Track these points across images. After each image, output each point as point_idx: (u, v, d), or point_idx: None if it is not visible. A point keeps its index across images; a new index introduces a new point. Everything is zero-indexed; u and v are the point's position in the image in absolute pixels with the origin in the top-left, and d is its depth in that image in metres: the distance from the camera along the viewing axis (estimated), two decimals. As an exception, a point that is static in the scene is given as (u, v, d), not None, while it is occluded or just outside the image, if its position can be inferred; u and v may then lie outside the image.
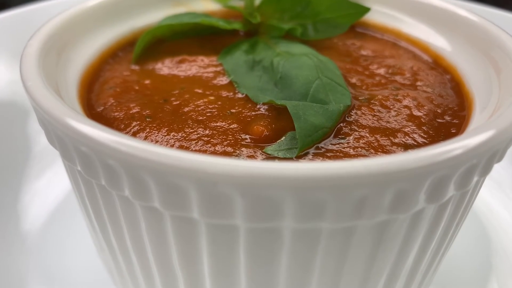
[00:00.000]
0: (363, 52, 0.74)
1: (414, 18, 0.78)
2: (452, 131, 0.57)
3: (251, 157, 0.50)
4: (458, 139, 0.42)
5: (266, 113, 0.57)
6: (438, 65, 0.72)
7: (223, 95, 0.61)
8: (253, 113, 0.57)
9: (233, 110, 0.58)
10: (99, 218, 0.52)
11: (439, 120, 0.59)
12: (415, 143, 0.54)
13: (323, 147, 0.53)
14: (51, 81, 0.53)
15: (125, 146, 0.39)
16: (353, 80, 0.65)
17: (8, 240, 0.71)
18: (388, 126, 0.56)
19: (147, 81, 0.65)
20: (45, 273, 0.67)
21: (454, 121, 0.59)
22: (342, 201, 0.38)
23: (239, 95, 0.61)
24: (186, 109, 0.57)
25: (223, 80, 0.65)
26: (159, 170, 0.38)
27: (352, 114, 0.57)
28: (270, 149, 0.52)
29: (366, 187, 0.38)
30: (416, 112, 0.59)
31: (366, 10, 0.73)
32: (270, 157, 0.51)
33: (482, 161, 0.44)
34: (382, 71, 0.68)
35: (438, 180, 0.41)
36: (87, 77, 0.65)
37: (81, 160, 0.44)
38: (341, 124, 0.56)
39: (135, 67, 0.69)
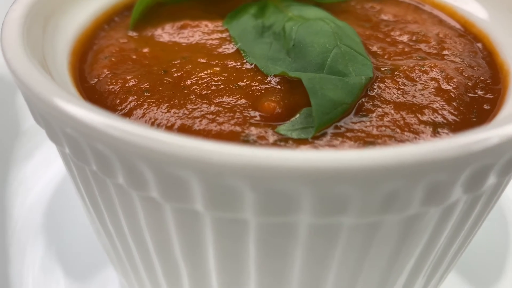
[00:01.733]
0: (384, 17, 0.67)
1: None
2: (486, 107, 0.51)
3: (261, 138, 0.45)
4: (503, 122, 0.36)
5: (278, 86, 0.51)
6: (467, 32, 0.65)
7: (229, 66, 0.55)
8: (263, 86, 0.51)
9: (241, 83, 0.52)
10: (94, 204, 0.47)
11: (470, 95, 0.53)
12: (445, 121, 0.49)
13: (342, 126, 0.47)
14: (36, 52, 0.47)
15: (117, 130, 0.34)
16: (374, 49, 0.59)
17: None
18: (415, 102, 0.50)
19: (145, 49, 0.58)
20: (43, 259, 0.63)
21: (488, 95, 0.53)
22: (369, 195, 0.33)
23: (247, 66, 0.55)
24: (188, 82, 0.51)
25: (229, 48, 0.59)
26: (156, 159, 0.33)
27: (375, 87, 0.51)
28: (283, 128, 0.46)
29: (397, 180, 0.32)
30: (444, 86, 0.52)
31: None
32: (283, 138, 0.45)
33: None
34: (405, 38, 0.61)
35: (479, 169, 0.35)
36: (79, 46, 0.59)
37: (69, 143, 0.39)
38: (363, 99, 0.50)
39: (132, 34, 0.63)
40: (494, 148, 0.34)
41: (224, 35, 0.61)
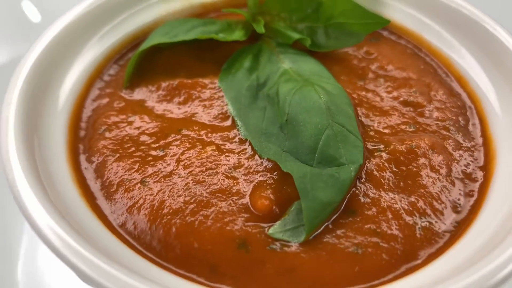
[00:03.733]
0: (379, 71, 0.66)
1: (438, 24, 0.69)
2: (470, 195, 0.53)
3: (256, 242, 0.47)
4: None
5: (271, 175, 0.52)
6: (462, 88, 0.65)
7: (224, 146, 0.56)
8: (257, 175, 0.53)
9: (235, 173, 0.53)
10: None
11: (457, 178, 0.55)
12: (430, 213, 0.51)
13: (332, 226, 0.49)
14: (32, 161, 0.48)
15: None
16: (366, 119, 0.59)
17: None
18: (406, 189, 0.52)
19: (140, 121, 0.59)
20: None
21: (473, 181, 0.55)
22: None
23: (243, 146, 0.56)
24: (184, 171, 0.53)
25: (224, 117, 0.59)
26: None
27: (363, 177, 0.53)
28: (275, 230, 0.48)
29: None
30: (432, 172, 0.54)
31: (386, 22, 0.64)
32: (276, 240, 0.48)
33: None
34: (398, 99, 0.62)
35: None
36: (74, 116, 0.60)
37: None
38: (352, 190, 0.52)
39: (127, 95, 0.63)
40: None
41: (219, 100, 0.61)
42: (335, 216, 0.50)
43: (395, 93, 0.63)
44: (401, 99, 0.62)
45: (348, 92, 0.61)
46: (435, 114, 0.61)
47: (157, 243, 0.48)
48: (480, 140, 0.58)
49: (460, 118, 0.61)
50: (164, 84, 0.64)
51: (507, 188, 0.52)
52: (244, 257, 0.47)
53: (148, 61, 0.67)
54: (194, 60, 0.68)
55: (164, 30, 0.66)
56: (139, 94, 0.63)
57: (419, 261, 0.47)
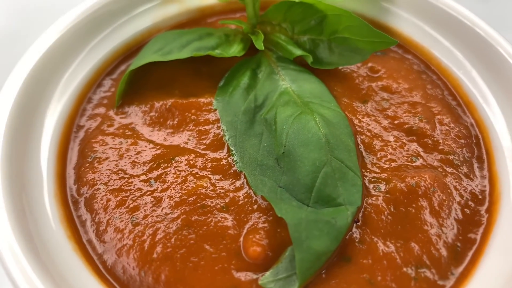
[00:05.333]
0: (383, 91, 0.63)
1: (449, 41, 0.65)
2: (470, 237, 0.52)
3: (246, 293, 0.46)
4: None
5: (265, 215, 0.51)
6: (469, 113, 0.62)
7: (218, 181, 0.53)
8: (252, 208, 0.51)
9: (229, 203, 0.52)
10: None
11: (457, 218, 0.53)
12: (427, 261, 0.49)
13: (326, 275, 0.48)
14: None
15: None
16: (367, 149, 0.57)
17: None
18: (404, 234, 0.50)
19: (132, 147, 0.57)
20: None
21: (474, 223, 0.53)
22: None
23: (237, 176, 0.54)
24: (175, 210, 0.51)
25: (218, 145, 0.57)
26: None
27: (360, 218, 0.51)
28: (266, 280, 0.47)
29: None
30: (431, 214, 0.52)
31: (394, 42, 0.60)
32: (267, 290, 0.47)
33: None
34: (401, 128, 0.59)
35: None
36: (63, 140, 0.57)
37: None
38: (348, 234, 0.50)
39: (118, 116, 0.60)
40: None
41: (214, 124, 0.58)
42: (329, 263, 0.49)
43: (399, 119, 0.60)
44: (405, 126, 0.59)
45: (349, 117, 0.59)
46: (440, 145, 0.58)
47: (146, 291, 0.47)
48: (486, 177, 0.56)
49: (465, 150, 0.58)
50: (157, 105, 0.61)
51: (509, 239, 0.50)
52: (234, 310, 0.46)
53: (141, 75, 0.64)
54: (190, 75, 0.65)
55: (157, 46, 0.63)
56: (130, 115, 0.61)
57: (413, 318, 0.46)
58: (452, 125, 0.60)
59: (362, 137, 0.58)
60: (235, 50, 0.64)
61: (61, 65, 0.61)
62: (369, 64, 0.66)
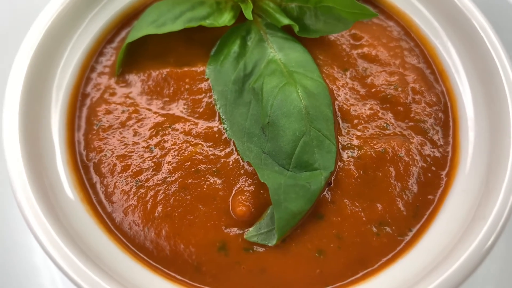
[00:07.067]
0: (364, 59, 0.67)
1: (429, 11, 0.68)
2: (429, 198, 0.59)
3: (234, 246, 0.55)
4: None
5: (251, 179, 0.58)
6: (442, 82, 0.67)
7: (210, 147, 0.60)
8: (240, 172, 0.59)
9: (220, 168, 0.59)
10: None
11: (420, 181, 0.60)
12: (389, 219, 0.57)
13: (300, 230, 0.56)
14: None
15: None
16: (344, 117, 0.63)
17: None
18: (370, 196, 0.57)
19: (132, 115, 0.63)
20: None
21: (434, 185, 0.60)
22: None
23: (227, 143, 0.61)
24: (173, 174, 0.58)
25: (210, 113, 0.63)
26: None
27: (333, 181, 0.58)
28: (250, 234, 0.56)
29: None
30: (397, 179, 0.59)
31: (373, 14, 0.63)
32: (251, 243, 0.55)
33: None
34: (378, 97, 0.64)
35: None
36: (71, 109, 0.64)
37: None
38: (322, 195, 0.58)
39: (118, 84, 0.66)
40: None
41: (207, 93, 0.64)
42: (304, 220, 0.57)
43: (376, 87, 0.65)
44: (381, 95, 0.65)
45: (330, 86, 0.64)
46: (412, 112, 0.63)
47: (150, 243, 0.56)
48: (449, 143, 0.62)
49: (433, 117, 0.64)
50: (154, 74, 0.66)
51: (464, 198, 0.57)
52: (223, 259, 0.55)
53: (138, 44, 0.69)
54: (183, 43, 0.69)
55: (151, 17, 0.67)
56: (130, 83, 0.67)
57: (374, 268, 0.55)
58: (425, 93, 0.65)
59: (340, 104, 0.64)
60: (225, 19, 0.68)
61: (64, 37, 0.65)
62: (353, 31, 0.70)
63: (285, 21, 0.67)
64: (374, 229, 0.57)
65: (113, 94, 0.66)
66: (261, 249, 0.55)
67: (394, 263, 0.55)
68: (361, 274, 0.55)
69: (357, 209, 0.57)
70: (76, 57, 0.66)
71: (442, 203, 0.58)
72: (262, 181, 0.56)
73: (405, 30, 0.71)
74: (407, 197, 0.59)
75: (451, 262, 0.51)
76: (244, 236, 0.56)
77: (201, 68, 0.66)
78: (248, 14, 0.67)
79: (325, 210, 0.57)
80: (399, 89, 0.65)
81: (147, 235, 0.56)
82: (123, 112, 0.64)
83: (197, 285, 0.54)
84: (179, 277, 0.54)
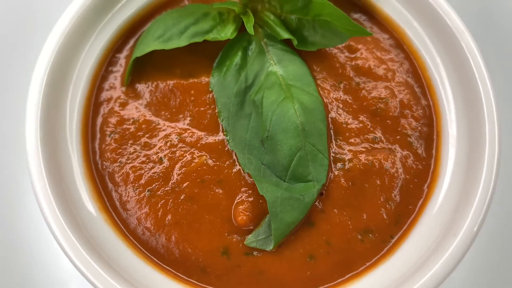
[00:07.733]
0: (357, 72, 0.72)
1: (422, 26, 0.72)
2: (409, 208, 0.66)
3: (235, 250, 0.62)
4: None
5: (251, 189, 0.65)
6: (430, 96, 0.71)
7: (214, 159, 0.66)
8: (241, 183, 0.65)
9: (223, 179, 0.65)
10: None
11: (403, 192, 0.66)
12: (373, 227, 0.64)
13: (294, 237, 0.63)
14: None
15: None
16: (336, 129, 0.68)
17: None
18: (357, 206, 0.64)
19: (142, 126, 0.68)
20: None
21: (414, 197, 0.66)
22: None
23: (229, 155, 0.67)
24: (181, 184, 0.65)
25: (214, 125, 0.68)
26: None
27: (324, 192, 0.65)
28: (250, 240, 0.63)
29: None
30: (386, 184, 0.65)
31: (368, 34, 0.67)
32: (251, 249, 0.63)
33: None
34: (368, 110, 0.69)
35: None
36: (85, 119, 0.69)
37: None
38: (314, 204, 0.64)
39: (128, 95, 0.71)
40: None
41: (211, 106, 0.69)
42: (298, 227, 0.64)
43: (367, 101, 0.70)
44: (372, 108, 0.70)
45: (325, 101, 0.69)
46: (399, 126, 0.69)
47: (161, 247, 0.63)
48: (432, 156, 0.68)
49: (419, 130, 0.69)
50: (161, 85, 0.71)
51: (442, 210, 0.64)
52: (226, 262, 0.62)
53: (146, 55, 0.72)
54: (187, 53, 0.73)
55: (157, 32, 0.70)
56: (139, 93, 0.71)
57: (358, 271, 0.63)
58: (413, 107, 0.70)
59: (333, 117, 0.69)
60: (227, 32, 0.72)
61: (76, 50, 0.69)
62: (349, 42, 0.74)
63: (285, 35, 0.71)
64: (359, 236, 0.64)
65: (123, 104, 0.71)
66: (259, 254, 0.63)
67: (377, 267, 0.63)
68: (347, 276, 0.63)
69: (344, 218, 0.64)
70: (88, 67, 0.71)
71: (421, 213, 0.65)
72: (261, 194, 0.62)
73: (398, 43, 0.75)
74: (390, 206, 0.65)
75: (428, 268, 0.59)
76: (245, 242, 0.63)
77: (206, 80, 0.71)
78: (250, 29, 0.71)
79: (316, 218, 0.64)
80: (389, 102, 0.70)
81: (159, 240, 0.64)
82: (133, 122, 0.69)
83: (203, 285, 0.62)
84: (187, 278, 0.62)
